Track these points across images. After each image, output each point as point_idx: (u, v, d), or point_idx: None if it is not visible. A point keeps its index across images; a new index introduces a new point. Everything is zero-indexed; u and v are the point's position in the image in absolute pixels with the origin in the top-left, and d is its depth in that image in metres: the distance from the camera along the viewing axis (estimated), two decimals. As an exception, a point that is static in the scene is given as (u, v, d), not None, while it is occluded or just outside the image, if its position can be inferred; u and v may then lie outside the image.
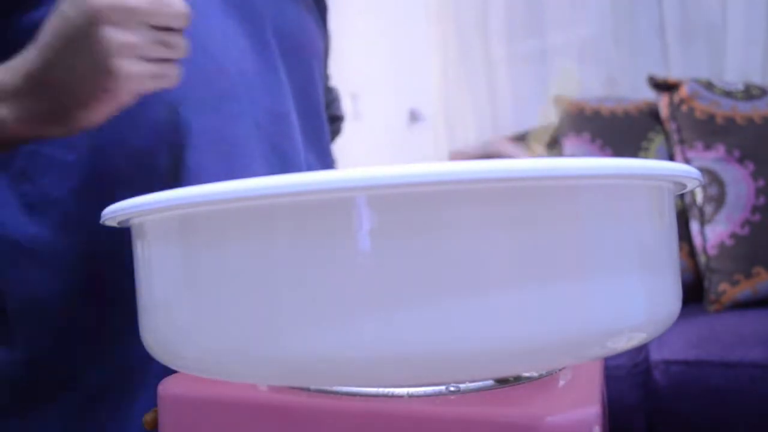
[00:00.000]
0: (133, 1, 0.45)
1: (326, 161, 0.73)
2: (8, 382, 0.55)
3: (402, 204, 0.27)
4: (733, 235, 1.18)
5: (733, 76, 1.51)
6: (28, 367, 0.55)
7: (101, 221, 0.35)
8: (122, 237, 0.54)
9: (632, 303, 0.30)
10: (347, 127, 0.92)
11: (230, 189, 0.27)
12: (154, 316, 0.34)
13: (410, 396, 0.31)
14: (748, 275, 1.15)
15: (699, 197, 1.22)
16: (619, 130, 1.36)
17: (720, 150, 1.21)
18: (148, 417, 0.40)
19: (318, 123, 0.71)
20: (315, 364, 0.28)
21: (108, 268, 0.56)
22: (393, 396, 0.31)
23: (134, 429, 0.55)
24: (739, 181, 1.19)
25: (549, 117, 1.53)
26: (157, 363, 0.54)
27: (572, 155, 1.36)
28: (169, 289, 0.32)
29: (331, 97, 0.85)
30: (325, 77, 0.83)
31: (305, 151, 0.68)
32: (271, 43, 0.64)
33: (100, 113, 0.48)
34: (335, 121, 0.86)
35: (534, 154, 1.30)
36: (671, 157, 1.31)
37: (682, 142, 1.26)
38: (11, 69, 0.48)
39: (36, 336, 0.56)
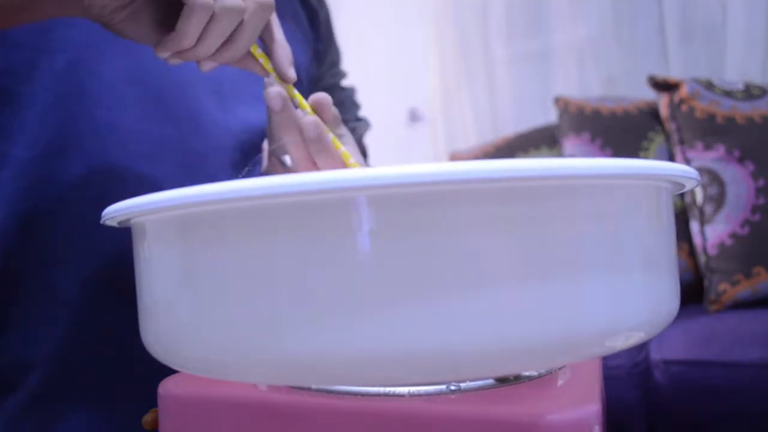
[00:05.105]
0: None
1: None
2: None
3: (402, 204, 0.27)
4: (733, 235, 1.18)
5: (733, 76, 1.51)
6: None
7: (101, 221, 0.35)
8: (55, 242, 0.54)
9: (630, 302, 0.30)
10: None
11: (230, 189, 0.27)
12: (155, 315, 0.34)
13: (411, 395, 0.31)
14: (748, 275, 1.15)
15: (699, 197, 1.22)
16: (619, 130, 1.36)
17: (720, 150, 1.21)
18: (148, 417, 0.40)
19: None
20: (315, 364, 0.28)
21: (42, 268, 0.55)
22: (394, 395, 0.31)
23: None
24: (739, 181, 1.19)
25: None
26: (100, 370, 0.54)
27: (572, 155, 1.36)
28: (170, 289, 0.32)
29: (359, 127, 0.76)
30: (351, 100, 0.77)
31: None
32: None
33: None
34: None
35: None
36: (671, 157, 1.31)
37: (682, 142, 1.26)
38: None
39: None
